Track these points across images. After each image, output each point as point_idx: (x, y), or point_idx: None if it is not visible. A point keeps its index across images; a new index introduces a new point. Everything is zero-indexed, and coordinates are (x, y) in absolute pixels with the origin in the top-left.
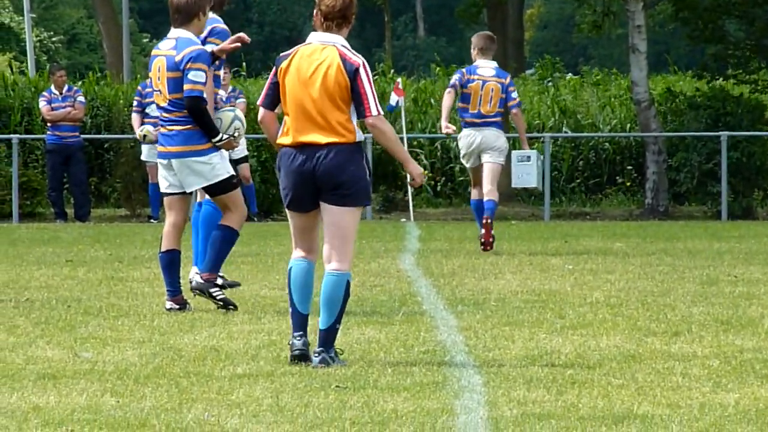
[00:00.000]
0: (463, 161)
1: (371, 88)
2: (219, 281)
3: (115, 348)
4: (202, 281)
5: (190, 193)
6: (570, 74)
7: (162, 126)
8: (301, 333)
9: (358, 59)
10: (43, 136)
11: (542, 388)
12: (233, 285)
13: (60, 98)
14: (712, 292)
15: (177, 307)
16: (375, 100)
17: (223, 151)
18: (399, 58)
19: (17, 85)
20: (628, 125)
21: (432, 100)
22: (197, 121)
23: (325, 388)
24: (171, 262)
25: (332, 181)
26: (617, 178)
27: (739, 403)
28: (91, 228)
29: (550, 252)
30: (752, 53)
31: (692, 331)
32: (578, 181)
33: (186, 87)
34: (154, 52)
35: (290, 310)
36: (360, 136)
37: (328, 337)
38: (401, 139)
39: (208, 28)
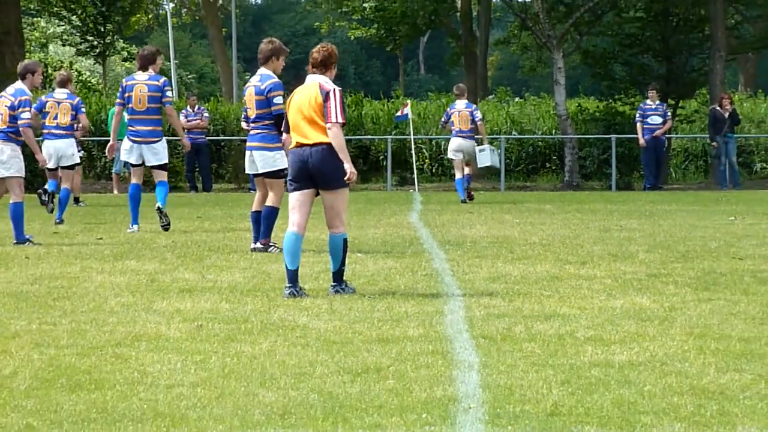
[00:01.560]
0: (451, 155)
1: (336, 105)
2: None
3: (228, 272)
4: (261, 246)
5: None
6: (517, 98)
7: (252, 129)
8: (290, 285)
9: (329, 87)
10: None
11: (499, 297)
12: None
13: (193, 114)
14: (607, 236)
15: (261, 247)
16: (336, 113)
17: (283, 151)
18: (408, 87)
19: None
20: (554, 130)
21: (429, 115)
22: (278, 127)
23: (361, 298)
24: (256, 219)
25: (320, 170)
26: (546, 164)
27: (623, 307)
28: (212, 196)
29: (505, 211)
30: (630, 85)
31: (594, 261)
32: (522, 165)
33: (273, 108)
34: (246, 85)
35: (285, 267)
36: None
37: (337, 276)
38: (410, 139)
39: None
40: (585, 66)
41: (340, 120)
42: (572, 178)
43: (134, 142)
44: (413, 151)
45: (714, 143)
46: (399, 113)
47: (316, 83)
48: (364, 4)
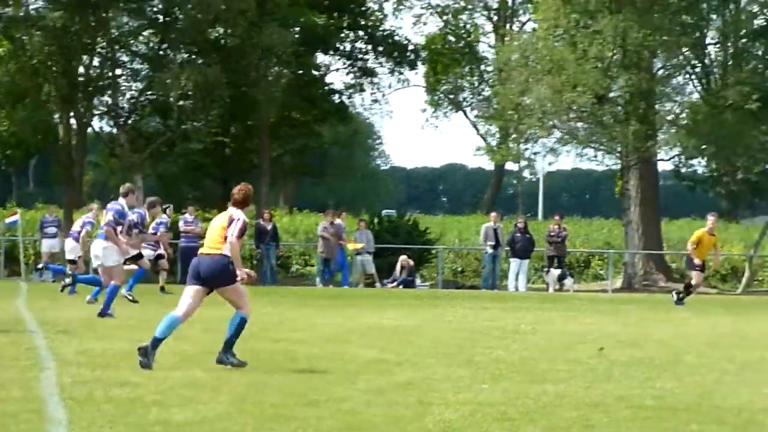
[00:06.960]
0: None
1: (234, 228)
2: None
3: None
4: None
5: None
6: None
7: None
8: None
9: (236, 217)
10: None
11: (84, 367)
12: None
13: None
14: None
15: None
16: (232, 234)
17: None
18: (20, 199)
19: None
20: None
21: (35, 220)
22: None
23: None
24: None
25: (209, 273)
26: None
27: (182, 377)
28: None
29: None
30: (195, 201)
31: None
32: None
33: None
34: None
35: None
36: (227, 251)
37: (227, 344)
38: (19, 240)
39: None
40: (158, 187)
41: (232, 238)
42: None
43: None
44: (21, 249)
45: (258, 249)
46: (8, 219)
47: (228, 213)
48: None
